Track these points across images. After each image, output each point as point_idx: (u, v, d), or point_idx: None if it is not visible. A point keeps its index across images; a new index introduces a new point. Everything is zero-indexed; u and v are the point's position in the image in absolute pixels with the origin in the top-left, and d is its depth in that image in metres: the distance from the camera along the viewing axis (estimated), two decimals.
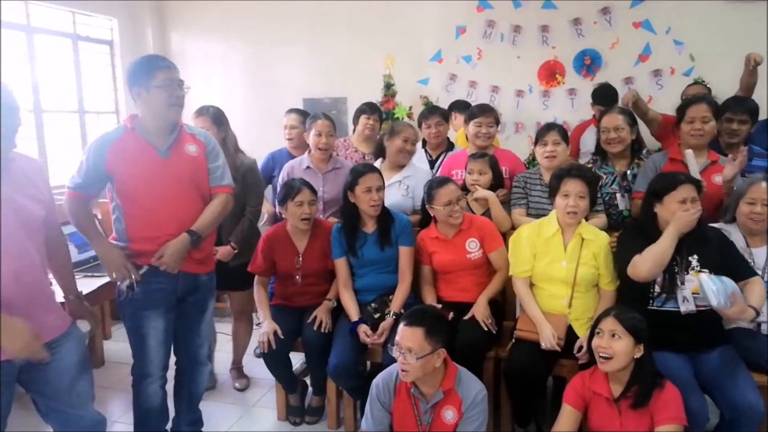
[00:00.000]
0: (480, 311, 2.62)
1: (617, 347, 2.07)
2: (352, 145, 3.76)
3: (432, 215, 2.81)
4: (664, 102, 4.28)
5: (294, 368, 2.99)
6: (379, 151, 3.39)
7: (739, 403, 2.14)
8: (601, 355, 2.10)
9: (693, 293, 2.32)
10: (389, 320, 2.67)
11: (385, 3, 4.89)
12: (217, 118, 3.11)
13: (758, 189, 2.42)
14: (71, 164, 2.62)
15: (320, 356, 2.71)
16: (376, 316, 2.73)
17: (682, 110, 2.87)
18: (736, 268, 2.34)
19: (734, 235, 2.50)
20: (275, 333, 2.72)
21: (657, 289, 2.37)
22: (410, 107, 4.82)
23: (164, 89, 2.21)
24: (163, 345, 2.37)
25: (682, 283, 2.33)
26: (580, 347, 2.40)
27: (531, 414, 2.66)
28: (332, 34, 5.06)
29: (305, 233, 2.90)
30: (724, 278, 2.19)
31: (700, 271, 2.29)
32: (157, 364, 2.38)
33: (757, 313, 2.21)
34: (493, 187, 3.00)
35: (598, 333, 2.13)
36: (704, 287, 2.17)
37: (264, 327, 2.78)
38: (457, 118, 4.12)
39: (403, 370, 2.09)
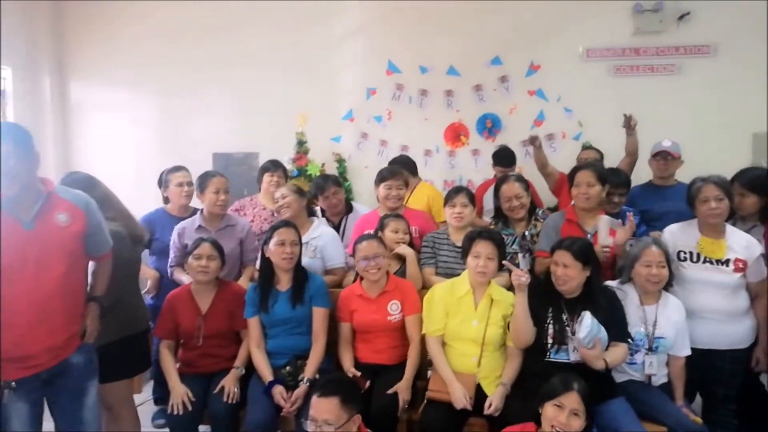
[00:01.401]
0: (403, 391, 2.62)
1: (574, 425, 2.08)
2: (260, 204, 3.74)
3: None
4: (558, 164, 4.62)
5: None
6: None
7: None
8: (556, 429, 2.09)
9: None
10: (303, 387, 2.62)
11: (299, 60, 4.99)
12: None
13: (651, 252, 2.63)
14: None
15: (228, 428, 2.61)
16: (290, 381, 2.67)
17: (571, 175, 3.11)
18: (615, 328, 2.53)
19: (630, 294, 2.70)
20: (188, 396, 2.62)
21: (550, 340, 2.53)
22: (323, 164, 4.89)
23: None
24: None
25: (573, 334, 2.50)
26: (490, 404, 2.47)
27: None
28: (246, 89, 5.06)
29: (209, 293, 2.85)
30: (603, 328, 2.41)
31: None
32: None
33: (607, 368, 2.43)
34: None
35: (558, 406, 2.10)
36: (582, 321, 2.39)
37: (175, 391, 2.66)
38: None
39: None
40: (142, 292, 3.33)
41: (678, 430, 2.45)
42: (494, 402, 2.48)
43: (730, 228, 2.83)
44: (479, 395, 2.54)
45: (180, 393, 2.64)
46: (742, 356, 2.80)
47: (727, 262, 2.73)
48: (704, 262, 2.77)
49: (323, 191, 3.59)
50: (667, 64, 4.65)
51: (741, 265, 2.72)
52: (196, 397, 2.67)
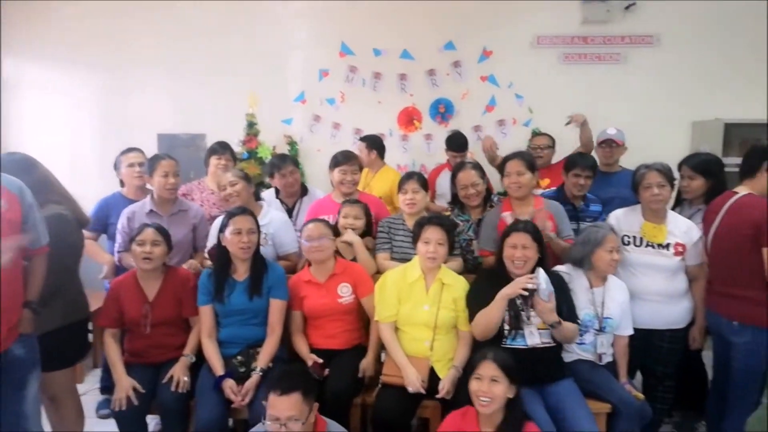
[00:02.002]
0: (367, 370, 2.67)
1: (497, 391, 2.17)
2: (207, 188, 3.63)
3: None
4: (509, 149, 4.69)
5: None
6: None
7: None
8: (481, 399, 2.18)
9: (539, 329, 2.56)
10: (255, 378, 2.56)
11: (249, 39, 4.85)
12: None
13: (612, 239, 2.71)
14: None
15: (178, 418, 2.54)
16: (242, 370, 2.62)
17: (502, 165, 3.12)
18: (566, 311, 2.60)
19: (579, 278, 2.77)
20: (135, 389, 2.52)
21: (506, 326, 2.57)
22: (274, 147, 4.80)
23: None
24: None
25: (528, 319, 2.56)
26: (443, 387, 2.50)
27: None
28: (193, 68, 4.90)
29: (156, 279, 2.75)
30: (547, 283, 2.48)
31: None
32: None
33: (560, 323, 2.50)
34: (364, 234, 3.07)
35: (477, 378, 2.20)
36: (539, 275, 2.47)
37: (120, 384, 2.55)
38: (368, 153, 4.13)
39: None
40: (100, 277, 3.22)
41: (621, 407, 2.55)
42: (446, 385, 2.51)
43: (671, 213, 2.95)
44: (432, 378, 2.57)
45: (125, 386, 2.54)
46: (679, 335, 2.94)
47: (667, 246, 2.85)
48: (646, 246, 2.88)
49: (280, 169, 3.49)
50: (613, 53, 4.79)
51: (681, 249, 2.84)
52: (143, 387, 2.57)
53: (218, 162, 3.61)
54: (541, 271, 2.49)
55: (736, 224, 2.61)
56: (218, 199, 3.54)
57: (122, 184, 3.51)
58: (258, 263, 2.75)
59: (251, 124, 4.74)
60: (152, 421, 2.84)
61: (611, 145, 3.62)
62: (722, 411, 2.74)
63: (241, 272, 2.75)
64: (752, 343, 2.59)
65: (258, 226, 2.77)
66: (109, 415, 3.37)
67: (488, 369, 2.20)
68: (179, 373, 2.60)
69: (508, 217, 2.94)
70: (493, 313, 2.52)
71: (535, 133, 4.66)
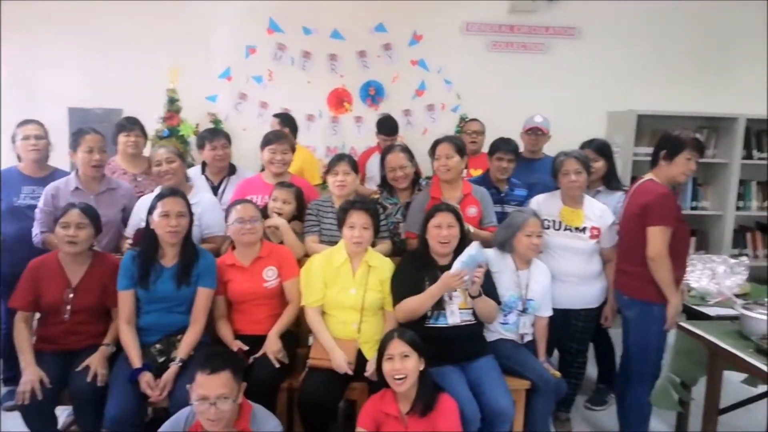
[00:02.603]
0: (271, 347, 2.58)
1: (409, 366, 2.23)
2: (119, 167, 3.43)
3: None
4: (437, 134, 4.73)
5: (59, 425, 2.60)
6: None
7: (494, 407, 2.47)
8: (396, 377, 2.23)
9: (460, 308, 2.63)
10: (174, 368, 2.45)
11: (172, 13, 4.60)
12: None
13: (533, 223, 2.81)
14: None
15: (93, 409, 2.37)
16: (161, 359, 2.50)
17: (432, 149, 3.15)
18: (487, 290, 2.68)
19: (506, 261, 2.86)
20: (41, 382, 2.35)
21: (429, 308, 2.61)
22: (197, 125, 4.60)
23: None
24: None
25: (450, 299, 2.63)
26: (370, 369, 2.52)
27: None
28: (107, 38, 4.59)
29: (81, 264, 2.59)
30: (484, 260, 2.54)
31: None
32: None
33: (479, 294, 2.58)
34: (296, 218, 3.02)
35: (389, 358, 2.25)
36: (468, 250, 2.50)
37: (26, 374, 2.38)
38: None
39: (213, 420, 1.97)
40: None
41: (540, 383, 2.67)
42: (374, 366, 2.52)
43: (587, 199, 3.10)
44: (360, 360, 2.59)
45: (31, 378, 2.36)
46: (593, 314, 3.11)
47: (584, 229, 3.00)
48: (565, 229, 3.02)
49: (211, 141, 3.36)
50: (538, 43, 4.93)
51: (596, 233, 3.00)
52: (55, 375, 2.41)
53: (127, 139, 3.41)
54: (474, 245, 2.53)
55: (632, 206, 2.78)
56: (131, 178, 3.37)
57: (19, 158, 3.25)
58: (188, 249, 2.62)
59: (172, 100, 4.51)
60: (63, 412, 2.68)
61: (537, 133, 3.74)
62: (626, 384, 2.93)
63: (169, 258, 2.61)
64: (640, 317, 2.75)
65: (190, 209, 2.63)
66: (14, 408, 3.17)
67: (397, 347, 2.25)
68: (96, 364, 2.45)
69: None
70: (421, 304, 2.57)
71: (464, 119, 4.75)
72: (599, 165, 3.29)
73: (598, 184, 3.33)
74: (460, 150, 3.08)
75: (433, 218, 2.66)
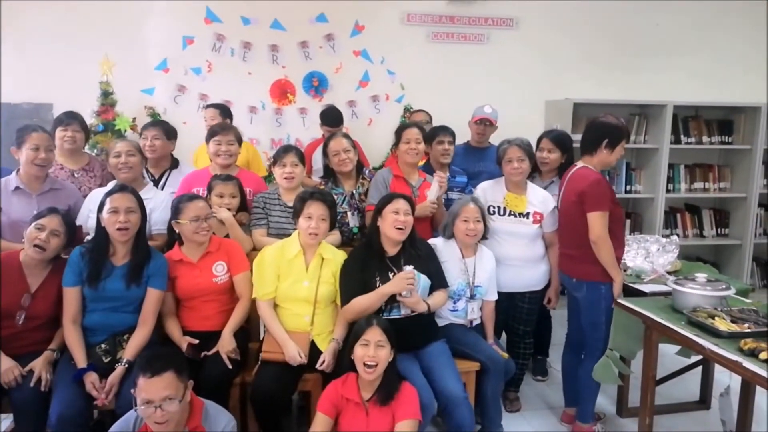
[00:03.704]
0: (225, 346, 2.54)
1: (381, 355, 2.27)
2: (57, 162, 3.28)
3: (177, 235, 2.67)
4: (382, 126, 4.81)
5: None
6: None
7: (445, 392, 2.53)
8: (367, 363, 2.25)
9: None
10: (120, 369, 2.38)
11: (102, 4, 4.40)
12: None
13: (469, 209, 2.88)
14: None
15: (35, 416, 2.28)
16: (107, 360, 2.42)
17: (399, 133, 3.26)
18: (436, 277, 2.76)
19: (452, 249, 2.92)
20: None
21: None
22: (134, 118, 4.44)
23: None
24: None
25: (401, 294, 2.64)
26: (323, 361, 2.53)
27: None
28: (33, 28, 4.35)
29: (43, 268, 2.49)
30: (422, 279, 2.61)
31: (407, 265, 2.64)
32: None
33: (428, 308, 2.66)
34: (238, 210, 2.97)
35: (364, 344, 2.27)
36: (418, 277, 2.59)
37: (2, 365, 2.31)
38: None
39: (160, 423, 1.92)
40: None
41: (489, 364, 2.76)
42: (327, 357, 2.54)
43: (530, 185, 3.20)
44: (313, 352, 2.58)
45: (9, 366, 2.31)
46: (537, 296, 3.23)
47: (527, 215, 3.10)
48: (509, 215, 3.11)
49: (143, 131, 3.39)
50: (478, 34, 5.02)
51: (539, 218, 3.10)
52: None
53: (64, 134, 3.26)
54: (406, 269, 2.60)
55: (568, 194, 2.89)
56: (68, 174, 3.23)
57: None
58: (140, 248, 2.54)
59: (106, 93, 4.35)
60: (4, 421, 2.56)
61: (486, 123, 3.81)
62: (575, 361, 3.06)
63: (120, 256, 2.52)
64: (589, 297, 2.88)
65: (142, 206, 2.54)
66: None
67: (375, 334, 2.28)
68: (41, 368, 2.35)
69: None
70: (371, 304, 2.59)
71: (408, 109, 4.80)
72: (555, 156, 3.36)
73: (552, 175, 3.42)
74: (426, 137, 3.28)
75: (391, 204, 2.69)
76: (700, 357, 2.99)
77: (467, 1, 4.90)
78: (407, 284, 2.56)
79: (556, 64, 5.11)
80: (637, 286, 2.99)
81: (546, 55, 5.10)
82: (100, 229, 2.50)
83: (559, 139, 3.40)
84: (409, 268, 2.60)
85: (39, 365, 2.36)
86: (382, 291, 2.60)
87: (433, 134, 3.49)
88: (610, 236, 2.76)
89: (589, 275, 2.84)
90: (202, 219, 2.59)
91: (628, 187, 5.03)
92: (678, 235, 5.05)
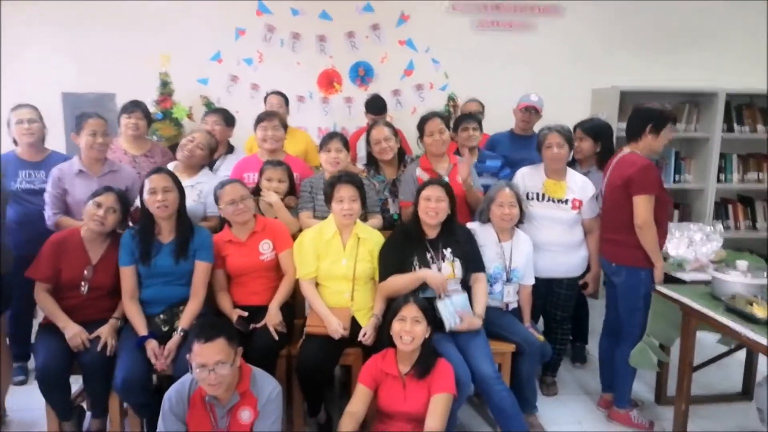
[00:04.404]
0: (271, 319, 2.70)
1: (418, 330, 2.38)
2: (120, 148, 3.52)
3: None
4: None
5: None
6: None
7: (479, 372, 2.60)
8: (404, 338, 2.37)
9: (447, 278, 2.75)
10: (176, 338, 2.58)
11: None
12: None
13: (504, 194, 2.94)
14: None
15: (102, 378, 2.52)
16: (165, 329, 2.64)
17: (421, 127, 3.29)
18: (474, 261, 2.84)
19: (489, 233, 2.99)
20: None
21: None
22: (190, 107, 4.67)
23: None
24: None
25: (439, 270, 2.75)
26: (365, 334, 2.66)
27: (321, 403, 2.85)
28: (99, 27, 4.63)
29: (101, 242, 2.72)
30: (455, 299, 2.70)
31: (445, 297, 2.71)
32: None
33: (482, 319, 2.73)
34: (287, 194, 3.12)
35: (401, 319, 2.39)
36: (440, 313, 2.66)
37: (69, 330, 2.55)
38: None
39: (213, 385, 2.08)
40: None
41: (525, 346, 2.81)
42: (368, 331, 2.67)
43: (570, 171, 3.22)
44: (354, 327, 2.71)
45: (76, 331, 2.54)
46: (575, 283, 3.26)
47: (566, 201, 3.13)
48: (548, 201, 3.15)
49: (204, 117, 3.67)
50: (523, 22, 5.01)
51: (578, 204, 3.12)
52: (66, 347, 2.54)
53: (128, 121, 3.49)
54: (438, 304, 2.67)
55: (615, 179, 2.90)
56: (131, 159, 3.46)
57: (15, 142, 3.33)
58: (184, 225, 2.74)
59: (165, 84, 4.58)
60: (75, 383, 2.81)
61: (531, 111, 3.82)
62: (612, 346, 3.08)
63: (165, 234, 2.73)
64: (628, 282, 2.89)
65: (179, 185, 2.74)
66: (23, 382, 3.30)
67: (411, 310, 2.39)
68: (107, 335, 2.58)
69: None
70: (406, 284, 2.70)
71: (452, 98, 4.86)
72: (586, 146, 3.38)
73: (589, 164, 3.43)
74: (447, 125, 3.28)
75: (424, 190, 2.78)
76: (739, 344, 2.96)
77: None
78: (442, 287, 2.67)
79: (602, 51, 5.05)
80: (678, 275, 2.97)
81: (592, 43, 5.04)
82: (145, 210, 2.71)
83: (590, 129, 3.40)
84: (440, 302, 2.68)
85: (105, 332, 2.59)
86: (418, 275, 2.71)
87: (458, 122, 3.59)
88: (654, 222, 2.76)
89: (629, 260, 2.86)
90: (237, 201, 2.75)
91: (677, 177, 4.92)
92: (729, 227, 4.92)
